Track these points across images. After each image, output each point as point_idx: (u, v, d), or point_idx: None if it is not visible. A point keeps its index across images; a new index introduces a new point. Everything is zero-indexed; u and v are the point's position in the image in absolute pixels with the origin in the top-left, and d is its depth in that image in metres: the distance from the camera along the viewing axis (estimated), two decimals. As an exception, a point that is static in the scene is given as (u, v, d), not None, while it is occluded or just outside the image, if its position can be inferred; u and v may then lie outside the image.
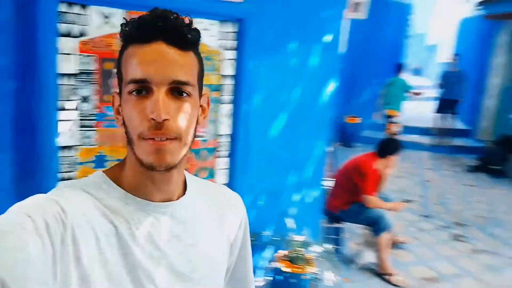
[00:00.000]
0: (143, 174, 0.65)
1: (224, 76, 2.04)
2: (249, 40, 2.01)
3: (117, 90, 0.67)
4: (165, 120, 0.59)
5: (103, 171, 0.68)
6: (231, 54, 2.02)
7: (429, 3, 12.30)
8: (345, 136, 7.32)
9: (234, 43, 2.01)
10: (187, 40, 0.62)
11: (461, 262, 3.55)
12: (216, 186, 0.86)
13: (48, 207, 0.55)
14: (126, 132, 0.64)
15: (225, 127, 2.12)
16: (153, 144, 0.60)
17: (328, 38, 2.40)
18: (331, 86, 2.49)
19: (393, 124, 6.61)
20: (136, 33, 0.62)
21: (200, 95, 0.69)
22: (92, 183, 0.66)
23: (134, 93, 0.61)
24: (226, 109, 2.09)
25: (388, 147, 3.14)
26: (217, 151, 2.14)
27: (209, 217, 0.76)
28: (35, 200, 0.57)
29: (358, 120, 7.35)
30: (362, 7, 5.64)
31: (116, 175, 0.68)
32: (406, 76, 6.94)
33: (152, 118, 0.59)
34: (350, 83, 7.24)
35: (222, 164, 2.16)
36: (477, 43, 8.19)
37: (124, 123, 0.64)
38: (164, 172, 0.64)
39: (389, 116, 6.66)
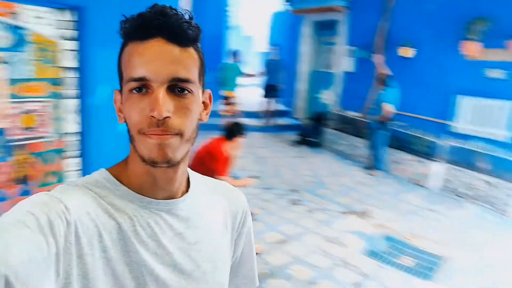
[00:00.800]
0: (146, 172, 0.65)
1: (65, 68, 1.84)
2: (92, 29, 1.86)
3: (119, 88, 0.66)
4: (166, 117, 0.58)
5: (107, 169, 0.68)
6: (72, 45, 1.84)
7: None
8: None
9: (74, 33, 1.83)
10: (187, 36, 0.61)
11: (301, 222, 4.15)
12: (218, 183, 0.84)
13: (52, 205, 0.55)
14: (128, 130, 0.63)
15: (72, 125, 1.93)
16: (154, 139, 0.59)
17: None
18: None
19: (232, 105, 7.39)
20: (135, 30, 0.60)
21: (202, 91, 0.68)
22: (96, 181, 0.65)
23: (134, 91, 0.60)
24: (71, 104, 1.91)
25: (234, 130, 3.40)
26: (65, 151, 1.93)
27: (212, 214, 0.76)
28: (38, 198, 0.56)
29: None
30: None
31: (119, 173, 0.67)
32: (239, 62, 7.59)
33: (152, 116, 0.58)
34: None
35: (72, 166, 1.97)
36: (288, 35, 9.43)
37: (125, 121, 0.64)
38: (166, 169, 0.64)
39: (226, 97, 7.42)
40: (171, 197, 0.69)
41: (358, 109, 6.99)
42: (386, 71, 5.71)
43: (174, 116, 0.60)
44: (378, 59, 6.14)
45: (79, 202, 0.59)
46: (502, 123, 4.94)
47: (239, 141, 3.41)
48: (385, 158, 5.90)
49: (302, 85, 8.97)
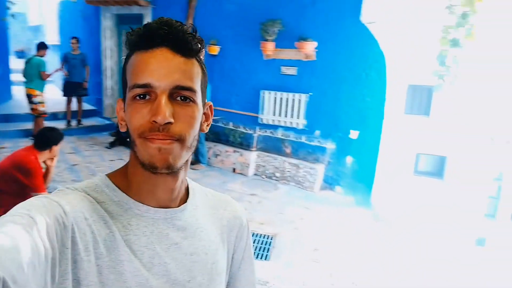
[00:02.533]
0: (145, 179, 0.65)
1: None
2: None
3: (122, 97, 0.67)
4: (167, 123, 0.59)
5: (106, 175, 0.68)
6: None
7: None
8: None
9: None
10: (191, 47, 0.63)
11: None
12: (219, 195, 0.84)
13: (50, 208, 0.55)
14: (129, 136, 0.63)
15: None
16: (155, 143, 0.60)
17: None
18: None
19: (37, 104, 6.25)
20: (141, 40, 0.62)
21: (204, 102, 0.68)
22: (95, 186, 0.65)
23: (137, 97, 0.61)
24: None
25: (47, 137, 2.85)
26: None
27: (211, 226, 0.76)
28: (37, 202, 0.56)
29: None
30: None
31: (119, 179, 0.67)
32: (43, 56, 6.37)
33: (154, 121, 0.59)
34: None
35: None
36: (85, 27, 8.54)
37: (127, 128, 0.64)
38: (165, 177, 0.65)
39: (30, 96, 6.23)
40: (169, 206, 0.69)
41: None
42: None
43: (176, 123, 0.60)
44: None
45: (77, 207, 0.59)
46: (299, 113, 5.85)
47: (56, 149, 2.88)
48: (206, 152, 6.13)
49: (109, 82, 8.31)
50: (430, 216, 4.74)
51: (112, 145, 6.98)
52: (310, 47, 5.66)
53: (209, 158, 6.17)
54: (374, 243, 4.22)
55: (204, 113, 0.70)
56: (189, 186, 0.76)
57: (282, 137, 5.95)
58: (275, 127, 6.08)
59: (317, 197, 5.31)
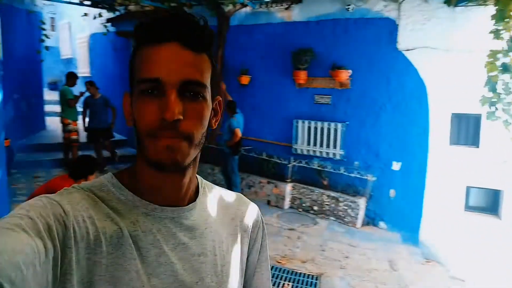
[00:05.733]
0: (152, 177, 0.64)
1: None
2: None
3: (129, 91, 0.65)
4: (177, 120, 0.57)
5: (113, 174, 0.67)
6: None
7: (61, 16, 11.80)
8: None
9: None
10: (201, 42, 0.62)
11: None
12: (232, 194, 0.81)
13: (51, 209, 0.55)
14: (136, 133, 0.62)
15: None
16: (163, 141, 0.58)
17: None
18: None
19: (69, 133, 6.22)
20: (150, 34, 0.61)
21: (213, 98, 0.67)
22: (101, 184, 0.65)
23: (146, 92, 0.59)
24: None
25: (83, 166, 2.71)
26: None
27: (221, 227, 0.73)
28: (38, 202, 0.55)
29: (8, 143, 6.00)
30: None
31: (125, 177, 0.67)
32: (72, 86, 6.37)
33: (163, 118, 0.57)
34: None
35: None
36: (115, 57, 8.67)
37: (134, 124, 0.62)
38: (173, 174, 0.64)
39: (63, 124, 6.27)
40: (177, 204, 0.67)
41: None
42: (230, 98, 5.81)
43: (185, 120, 0.59)
44: (222, 86, 6.21)
45: (79, 206, 0.58)
46: (335, 142, 5.62)
47: (91, 179, 2.73)
48: (239, 183, 5.93)
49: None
50: (485, 257, 4.34)
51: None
52: (344, 75, 5.50)
53: (242, 189, 5.95)
54: (429, 284, 3.85)
55: (213, 109, 0.67)
56: (199, 184, 0.74)
57: (318, 168, 5.70)
58: (310, 157, 5.85)
59: (360, 233, 4.98)
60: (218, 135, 6.45)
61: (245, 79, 6.39)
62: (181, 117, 0.58)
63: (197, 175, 0.74)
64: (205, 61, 0.63)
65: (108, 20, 7.85)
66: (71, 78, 6.40)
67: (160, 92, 0.58)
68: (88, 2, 7.02)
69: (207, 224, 0.70)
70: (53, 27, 12.33)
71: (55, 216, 0.54)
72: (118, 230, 0.59)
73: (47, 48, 7.27)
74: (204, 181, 0.76)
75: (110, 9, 7.24)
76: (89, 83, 6.45)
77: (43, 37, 7.11)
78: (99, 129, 6.48)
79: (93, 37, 9.77)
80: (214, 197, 0.76)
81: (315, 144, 5.77)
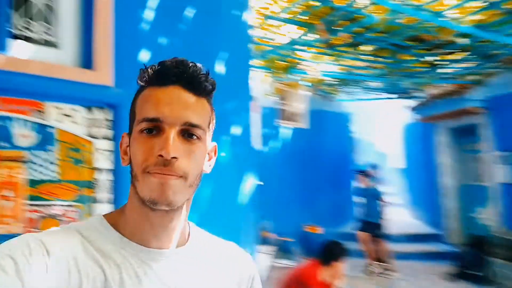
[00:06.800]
0: (143, 217, 0.64)
1: (98, 169, 1.68)
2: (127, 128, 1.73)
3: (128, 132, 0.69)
4: (173, 158, 0.59)
5: (103, 215, 0.68)
6: (106, 145, 1.70)
7: (371, 113, 13.08)
8: (309, 248, 6.71)
9: (108, 132, 1.70)
10: (203, 87, 0.65)
11: None
12: (225, 243, 0.80)
13: (33, 248, 0.55)
14: (131, 171, 0.64)
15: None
16: (157, 178, 0.59)
17: (236, 130, 2.17)
18: (249, 184, 2.17)
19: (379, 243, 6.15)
20: (155, 77, 0.64)
21: (210, 142, 0.70)
22: (89, 225, 0.65)
23: (145, 131, 0.62)
24: (105, 210, 1.67)
25: (331, 252, 2.70)
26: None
27: (211, 274, 0.72)
28: (21, 241, 0.56)
29: (319, 230, 6.88)
30: (302, 117, 5.80)
31: (115, 218, 0.67)
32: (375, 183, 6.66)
33: (160, 155, 0.59)
34: (303, 191, 7.09)
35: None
36: (420, 145, 8.49)
37: (130, 163, 0.64)
38: (164, 214, 0.63)
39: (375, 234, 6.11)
40: (166, 247, 0.66)
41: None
42: None
43: (181, 159, 0.60)
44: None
45: (63, 246, 0.58)
46: None
47: (339, 266, 2.65)
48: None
49: (450, 202, 7.47)
50: None
51: (453, 276, 5.88)
52: None
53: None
54: None
55: (207, 153, 0.69)
56: (191, 230, 0.73)
57: None
58: None
59: None
60: None
61: None
62: (178, 156, 0.59)
63: (189, 222, 0.73)
64: (205, 105, 0.66)
65: (413, 108, 8.03)
66: (366, 174, 6.50)
67: (159, 132, 0.61)
68: (394, 96, 7.53)
69: (196, 269, 0.69)
70: (361, 122, 13.67)
71: (37, 256, 0.54)
72: (101, 273, 0.59)
73: (359, 143, 8.15)
74: (196, 227, 0.76)
75: (413, 97, 7.44)
76: (362, 172, 6.51)
77: (351, 134, 8.10)
78: (369, 222, 6.16)
79: (406, 127, 10.01)
80: (206, 244, 0.75)
81: None
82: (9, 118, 1.48)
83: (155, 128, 0.61)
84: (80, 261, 0.58)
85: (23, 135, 1.50)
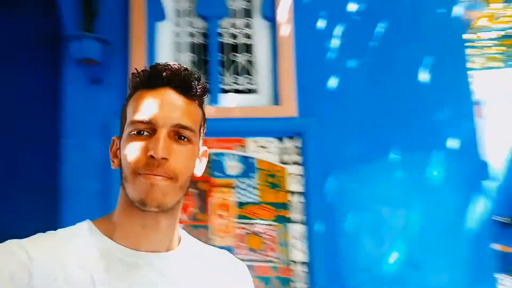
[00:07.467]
0: (132, 219, 0.63)
1: (291, 193, 1.86)
2: (313, 154, 1.84)
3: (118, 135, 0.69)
4: (163, 159, 0.59)
5: (91, 221, 0.67)
6: (297, 170, 1.87)
7: None
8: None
9: (298, 158, 1.87)
10: (194, 90, 0.65)
11: None
12: (218, 251, 0.78)
13: (17, 254, 0.55)
14: (121, 173, 0.63)
15: (299, 253, 1.81)
16: (148, 179, 0.58)
17: (452, 143, 1.86)
18: (480, 206, 1.78)
19: None
20: (146, 80, 0.64)
21: (200, 145, 0.70)
22: (76, 230, 0.64)
23: (136, 133, 0.61)
24: (298, 230, 1.82)
25: None
26: (292, 281, 1.80)
27: (202, 278, 0.69)
28: (5, 248, 0.56)
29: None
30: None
31: (103, 223, 0.66)
32: None
33: (151, 156, 0.58)
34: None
35: (299, 300, 1.77)
36: None
37: (120, 165, 0.64)
38: (154, 216, 0.62)
39: None
40: (155, 250, 0.64)
41: None
42: None
43: (171, 160, 0.59)
44: None
45: (48, 252, 0.57)
46: None
47: None
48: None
49: None
50: None
51: None
52: None
53: None
54: None
55: (198, 157, 0.68)
56: (183, 236, 0.71)
57: None
58: None
59: None
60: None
61: None
62: (168, 157, 0.59)
63: (181, 228, 0.71)
64: (196, 108, 0.66)
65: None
66: None
67: (150, 134, 0.60)
68: None
69: (186, 274, 0.66)
70: None
71: (20, 262, 0.54)
72: (89, 277, 0.57)
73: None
74: (187, 234, 0.73)
75: None
76: None
77: None
78: None
79: None
80: (198, 250, 0.72)
81: None
82: (222, 154, 1.91)
83: (146, 129, 0.60)
84: (66, 266, 0.57)
85: (232, 166, 1.90)
